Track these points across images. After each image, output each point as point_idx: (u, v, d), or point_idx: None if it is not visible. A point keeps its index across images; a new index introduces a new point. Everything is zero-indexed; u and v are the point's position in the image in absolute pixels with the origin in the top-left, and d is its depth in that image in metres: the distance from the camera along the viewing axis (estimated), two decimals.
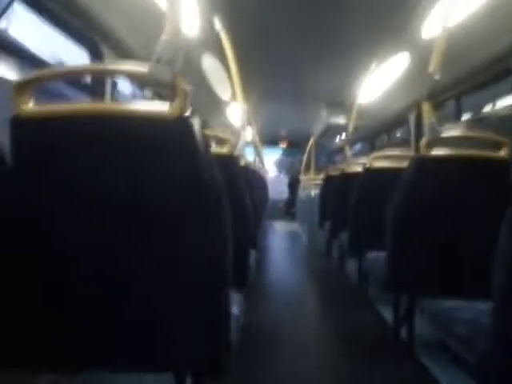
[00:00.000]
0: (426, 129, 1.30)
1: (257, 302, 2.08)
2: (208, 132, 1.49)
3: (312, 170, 5.90)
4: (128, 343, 0.77)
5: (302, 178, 6.64)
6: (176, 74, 0.67)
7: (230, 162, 1.37)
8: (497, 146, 1.29)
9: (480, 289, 0.82)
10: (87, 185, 0.72)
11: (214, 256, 0.74)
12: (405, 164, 1.49)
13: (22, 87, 0.70)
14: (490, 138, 1.37)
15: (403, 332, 1.48)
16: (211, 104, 4.02)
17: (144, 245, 0.74)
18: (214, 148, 1.42)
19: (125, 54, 1.96)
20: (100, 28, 1.70)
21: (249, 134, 5.06)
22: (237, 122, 4.35)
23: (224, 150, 1.40)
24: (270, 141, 7.60)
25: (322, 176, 4.49)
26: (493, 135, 1.36)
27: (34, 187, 0.73)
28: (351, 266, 2.67)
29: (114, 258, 0.74)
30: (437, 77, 1.34)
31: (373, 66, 2.91)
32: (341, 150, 5.73)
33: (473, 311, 0.94)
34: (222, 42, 2.26)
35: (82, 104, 0.72)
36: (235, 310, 0.88)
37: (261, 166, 5.92)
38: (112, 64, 0.76)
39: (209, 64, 2.97)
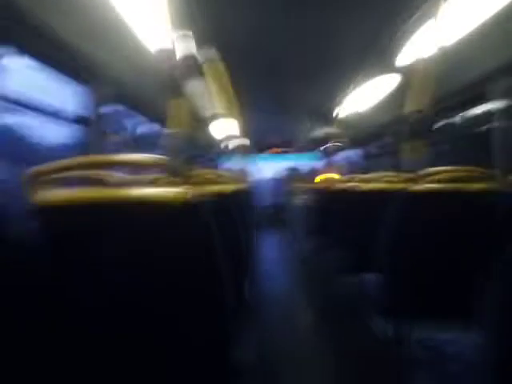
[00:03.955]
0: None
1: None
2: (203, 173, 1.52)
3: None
4: None
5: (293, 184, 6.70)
6: (180, 162, 0.70)
7: (222, 202, 1.39)
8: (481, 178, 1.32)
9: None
10: (99, 268, 0.76)
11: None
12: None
13: (32, 178, 0.76)
14: (474, 170, 1.40)
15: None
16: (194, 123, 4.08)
17: (151, 306, 0.78)
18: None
19: None
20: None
21: (240, 142, 5.24)
22: (219, 135, 4.46)
23: (215, 188, 1.43)
24: (262, 149, 7.80)
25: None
26: (476, 169, 1.39)
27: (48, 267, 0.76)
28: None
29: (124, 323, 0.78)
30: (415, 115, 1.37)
31: (355, 84, 2.98)
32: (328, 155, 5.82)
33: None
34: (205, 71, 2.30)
35: (94, 191, 0.75)
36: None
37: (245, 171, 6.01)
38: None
39: (192, 86, 3.02)
